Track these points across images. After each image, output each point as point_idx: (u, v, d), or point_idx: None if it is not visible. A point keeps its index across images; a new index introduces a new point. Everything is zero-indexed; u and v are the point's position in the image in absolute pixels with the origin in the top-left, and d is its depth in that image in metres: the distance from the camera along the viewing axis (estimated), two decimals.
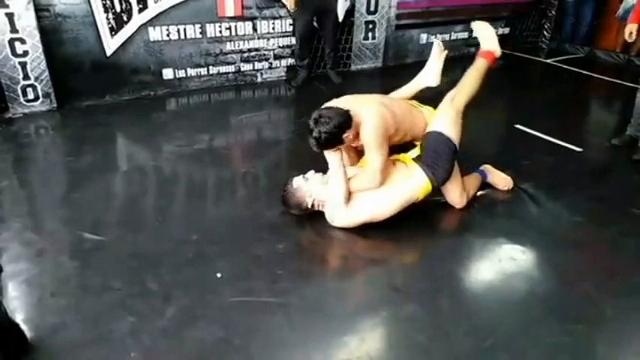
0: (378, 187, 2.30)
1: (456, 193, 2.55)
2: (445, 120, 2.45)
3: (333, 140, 2.23)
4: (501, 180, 2.77)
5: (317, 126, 2.19)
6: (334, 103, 2.41)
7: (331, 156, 2.31)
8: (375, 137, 2.26)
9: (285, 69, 4.87)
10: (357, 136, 2.31)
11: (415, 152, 2.47)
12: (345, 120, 2.22)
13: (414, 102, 2.67)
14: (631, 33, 3.09)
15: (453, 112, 2.48)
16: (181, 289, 2.02)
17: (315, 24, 4.56)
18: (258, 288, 2.05)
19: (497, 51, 2.62)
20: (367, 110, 2.29)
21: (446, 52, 2.70)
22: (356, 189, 2.32)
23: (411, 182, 2.37)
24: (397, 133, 2.39)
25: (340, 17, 4.58)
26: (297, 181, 2.41)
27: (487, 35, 2.65)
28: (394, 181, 2.35)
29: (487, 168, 2.80)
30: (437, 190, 2.48)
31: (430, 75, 2.67)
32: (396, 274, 2.20)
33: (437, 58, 2.68)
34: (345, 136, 2.24)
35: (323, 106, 2.31)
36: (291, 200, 2.41)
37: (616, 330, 1.91)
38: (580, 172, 3.13)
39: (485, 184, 2.78)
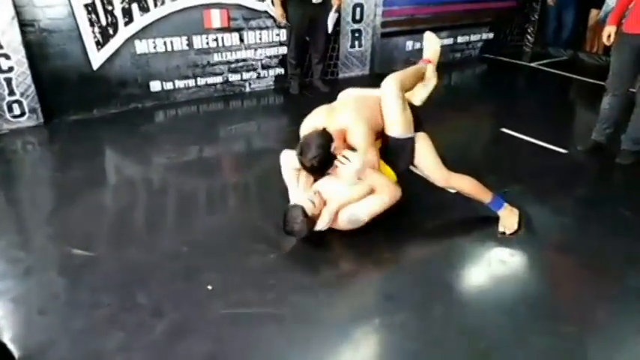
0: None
1: (430, 172, 2.48)
2: (397, 120, 2.40)
3: (326, 160, 2.27)
4: (508, 222, 2.48)
5: (305, 157, 2.24)
6: (312, 117, 2.49)
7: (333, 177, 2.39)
8: (364, 139, 2.33)
9: (274, 78, 4.89)
10: (343, 142, 2.35)
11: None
12: (324, 137, 2.27)
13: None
14: (609, 35, 3.14)
15: (399, 102, 2.41)
16: (172, 302, 2.01)
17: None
18: (250, 299, 2.04)
19: (434, 62, 2.76)
20: (349, 117, 2.36)
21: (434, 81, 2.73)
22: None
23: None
24: (377, 127, 2.45)
25: (330, 29, 4.64)
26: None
27: (433, 47, 2.77)
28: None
29: (511, 207, 2.52)
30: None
31: (418, 95, 2.70)
32: (388, 281, 2.21)
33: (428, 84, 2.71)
34: (332, 149, 2.27)
35: (301, 139, 2.33)
36: (293, 211, 2.29)
37: (607, 332, 1.92)
38: (566, 174, 3.16)
39: (493, 220, 2.52)
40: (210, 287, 2.09)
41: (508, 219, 2.49)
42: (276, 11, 4.43)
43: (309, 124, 2.42)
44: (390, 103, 2.41)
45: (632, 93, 3.19)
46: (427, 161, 2.47)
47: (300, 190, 2.49)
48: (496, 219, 2.50)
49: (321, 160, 2.25)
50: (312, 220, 2.29)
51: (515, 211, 2.52)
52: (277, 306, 2.00)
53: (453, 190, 2.60)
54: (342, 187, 2.36)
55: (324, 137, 2.26)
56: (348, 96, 2.68)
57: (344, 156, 2.31)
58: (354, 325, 1.93)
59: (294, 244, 2.42)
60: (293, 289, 2.14)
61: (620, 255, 2.35)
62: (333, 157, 2.28)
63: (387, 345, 1.89)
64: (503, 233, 2.46)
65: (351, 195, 2.34)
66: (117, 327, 1.87)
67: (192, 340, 1.83)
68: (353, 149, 2.36)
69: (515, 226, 2.48)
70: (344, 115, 2.39)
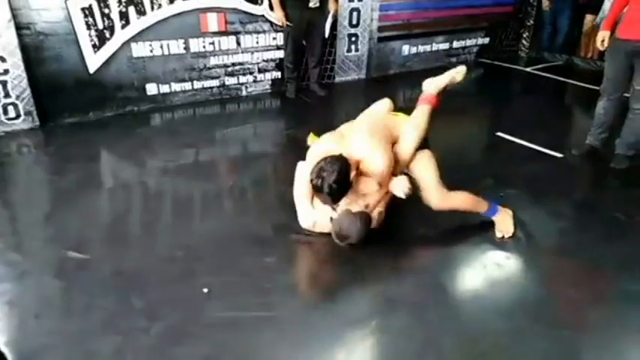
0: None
1: (429, 190, 2.39)
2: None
3: (345, 185, 2.18)
4: (504, 226, 2.48)
5: (323, 182, 2.13)
6: (321, 144, 2.39)
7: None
8: (386, 169, 2.27)
9: (270, 82, 4.90)
10: (356, 169, 2.27)
11: None
12: (344, 161, 2.18)
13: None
14: (603, 40, 3.16)
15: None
16: (167, 306, 2.00)
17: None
18: (246, 303, 2.03)
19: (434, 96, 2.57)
20: (364, 147, 2.28)
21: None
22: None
23: None
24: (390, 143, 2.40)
25: (326, 34, 4.65)
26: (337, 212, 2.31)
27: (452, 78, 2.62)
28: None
29: (506, 210, 2.53)
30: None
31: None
32: (384, 284, 2.21)
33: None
34: (351, 177, 2.20)
35: (315, 163, 2.21)
36: (341, 217, 2.26)
37: (602, 335, 1.93)
38: (561, 179, 3.18)
39: (488, 223, 2.52)
40: (206, 290, 2.08)
41: (504, 223, 2.50)
42: (277, 14, 4.44)
43: (320, 151, 2.31)
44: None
45: (627, 98, 3.21)
46: (426, 180, 2.40)
47: (315, 204, 2.40)
48: (492, 222, 2.51)
49: (342, 184, 2.15)
50: (368, 216, 2.27)
51: (509, 212, 2.53)
52: (273, 309, 2.00)
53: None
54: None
55: (344, 162, 2.18)
56: (359, 123, 2.54)
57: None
58: (350, 327, 1.93)
59: (290, 248, 2.43)
60: (289, 292, 2.14)
61: (615, 258, 2.36)
62: (350, 184, 2.21)
63: (384, 348, 1.89)
64: (502, 238, 2.47)
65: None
66: (112, 330, 1.87)
67: (188, 343, 1.82)
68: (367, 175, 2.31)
69: (512, 229, 2.49)
70: (357, 143, 2.30)
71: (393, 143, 2.40)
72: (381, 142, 2.30)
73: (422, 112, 2.50)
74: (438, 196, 2.39)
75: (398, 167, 2.40)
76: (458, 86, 2.65)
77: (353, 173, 2.20)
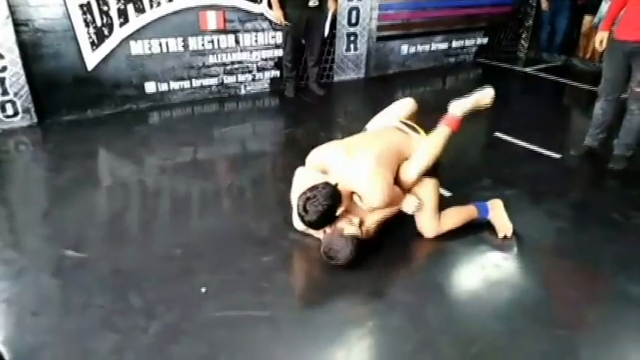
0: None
1: (424, 220, 2.43)
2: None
3: (326, 221, 2.18)
4: (502, 224, 2.48)
5: (306, 215, 2.12)
6: (327, 150, 2.36)
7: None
8: (382, 205, 2.24)
9: (269, 81, 4.89)
10: (350, 198, 2.25)
11: None
12: (334, 197, 2.13)
13: (403, 126, 2.54)
14: (601, 41, 3.17)
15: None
16: (165, 305, 2.00)
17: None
18: (243, 302, 2.03)
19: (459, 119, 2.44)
20: (365, 181, 2.20)
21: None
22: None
23: None
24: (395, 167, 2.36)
25: (325, 33, 4.65)
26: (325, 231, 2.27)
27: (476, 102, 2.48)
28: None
29: (494, 203, 2.54)
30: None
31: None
32: (382, 284, 2.21)
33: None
34: (338, 213, 2.17)
35: (306, 189, 2.15)
36: (333, 236, 2.21)
37: (600, 335, 1.93)
38: (560, 179, 3.18)
39: (482, 224, 2.54)
40: (203, 290, 2.08)
41: (500, 219, 2.50)
42: (276, 13, 4.43)
43: (323, 156, 2.32)
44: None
45: (625, 98, 3.22)
46: (424, 214, 2.40)
47: None
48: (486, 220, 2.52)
49: (324, 220, 2.15)
50: (359, 241, 2.22)
51: (498, 203, 2.53)
52: (270, 309, 2.00)
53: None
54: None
55: (334, 196, 2.13)
56: (372, 137, 2.48)
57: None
58: (347, 327, 1.93)
59: (287, 248, 2.43)
60: (286, 291, 2.14)
61: (613, 259, 2.37)
62: (335, 219, 2.19)
63: (381, 347, 1.89)
64: (505, 237, 2.47)
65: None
66: (110, 329, 1.86)
67: (185, 342, 1.82)
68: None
69: (510, 224, 2.49)
70: (359, 171, 2.21)
71: (400, 165, 2.35)
72: (384, 174, 2.22)
73: (441, 135, 2.38)
74: (432, 230, 2.43)
75: (401, 187, 2.38)
76: (484, 112, 2.53)
77: (341, 209, 2.18)
